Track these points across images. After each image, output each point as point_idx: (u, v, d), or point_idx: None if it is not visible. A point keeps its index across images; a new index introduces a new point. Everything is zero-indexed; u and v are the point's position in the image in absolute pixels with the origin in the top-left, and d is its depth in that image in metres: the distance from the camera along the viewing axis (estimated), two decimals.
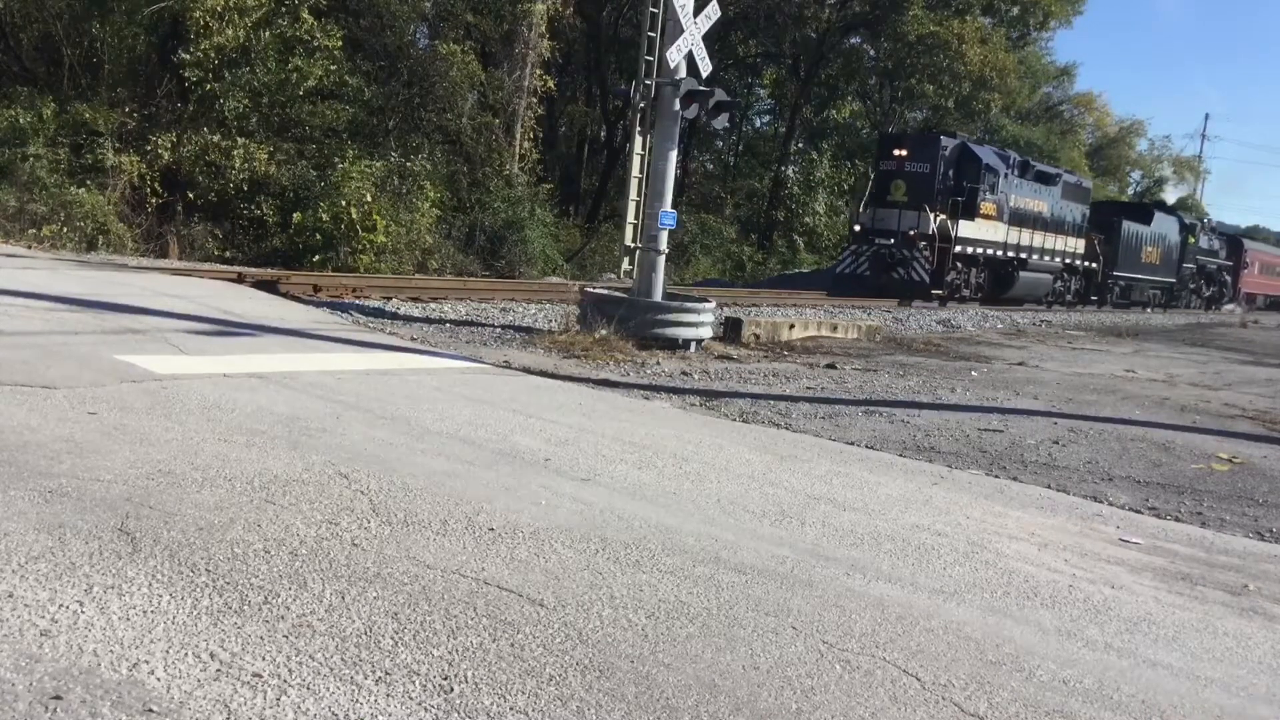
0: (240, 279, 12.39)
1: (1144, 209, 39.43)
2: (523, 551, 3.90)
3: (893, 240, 24.37)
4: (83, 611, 2.94)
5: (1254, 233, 66.93)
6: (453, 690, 2.75)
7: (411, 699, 2.68)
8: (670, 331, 11.26)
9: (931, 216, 24.19)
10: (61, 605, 2.96)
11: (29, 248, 14.53)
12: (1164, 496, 6.39)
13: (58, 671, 2.58)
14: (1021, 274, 27.97)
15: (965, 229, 25.12)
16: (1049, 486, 6.34)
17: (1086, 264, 32.34)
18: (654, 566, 3.91)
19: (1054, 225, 29.78)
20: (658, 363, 10.21)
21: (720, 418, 7.64)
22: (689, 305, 11.73)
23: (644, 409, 7.56)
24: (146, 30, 19.24)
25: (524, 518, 4.31)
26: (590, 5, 31.23)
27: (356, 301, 12.61)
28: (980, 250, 26.12)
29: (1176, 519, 5.89)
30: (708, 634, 3.33)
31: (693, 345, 11.48)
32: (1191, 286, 44.07)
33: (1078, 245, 31.58)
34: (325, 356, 7.87)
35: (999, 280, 27.60)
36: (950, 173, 25.15)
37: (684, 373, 9.83)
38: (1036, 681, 3.29)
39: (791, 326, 14.53)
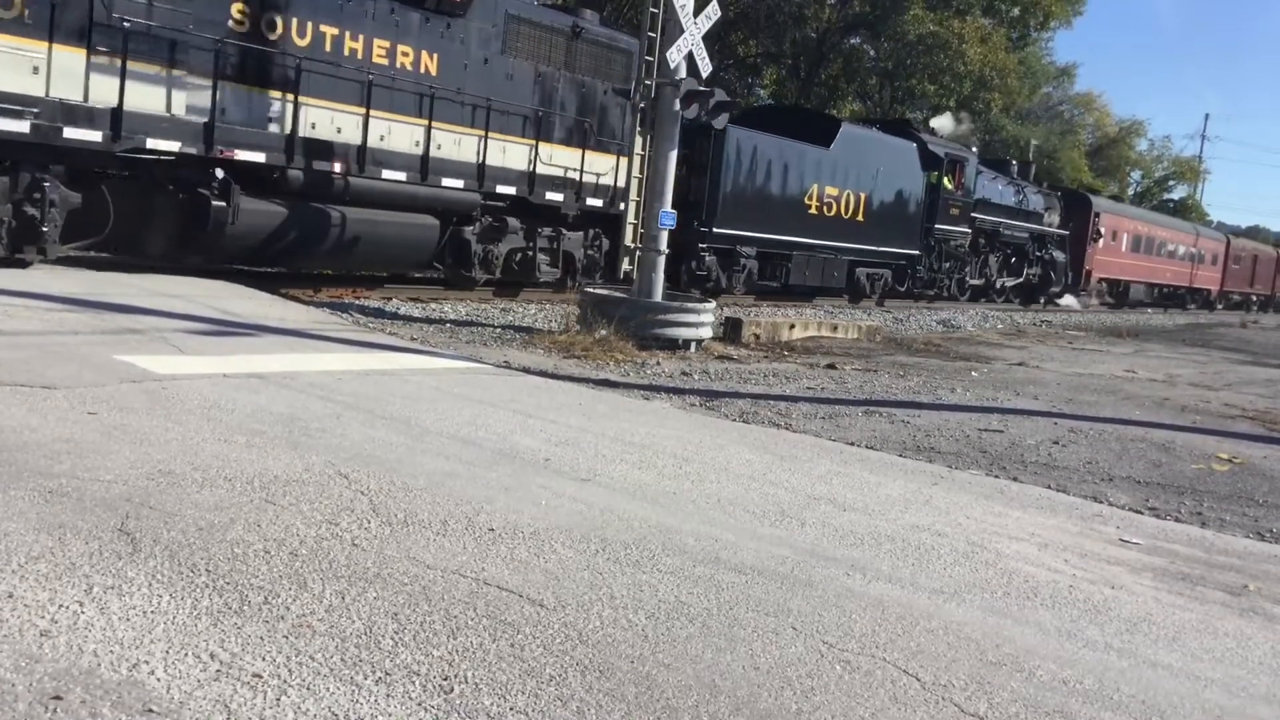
0: (240, 279, 12.37)
1: (810, 118, 22.51)
2: (523, 552, 3.90)
3: None
4: (83, 612, 2.93)
5: (1254, 233, 65.78)
6: (453, 690, 2.75)
7: (411, 699, 2.68)
8: (670, 332, 11.26)
9: None
10: (61, 605, 2.96)
11: None
12: (1164, 497, 6.39)
13: (58, 672, 2.58)
14: (243, 206, 11.25)
15: None
16: (1049, 487, 6.34)
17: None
18: (654, 567, 3.91)
19: (461, 111, 13.64)
20: (658, 363, 10.21)
21: (720, 418, 7.64)
22: (689, 305, 11.74)
23: (644, 409, 7.56)
24: None
25: (524, 518, 4.31)
26: (590, 6, 31.24)
27: (356, 302, 12.61)
28: None
29: (1176, 519, 5.89)
30: (708, 634, 3.33)
31: (693, 345, 11.49)
32: (972, 275, 27.24)
33: (591, 165, 15.50)
34: (325, 357, 7.87)
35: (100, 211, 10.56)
36: None
37: (684, 373, 9.83)
38: (1037, 682, 3.29)
39: (791, 327, 14.53)
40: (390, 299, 13.28)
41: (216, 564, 3.40)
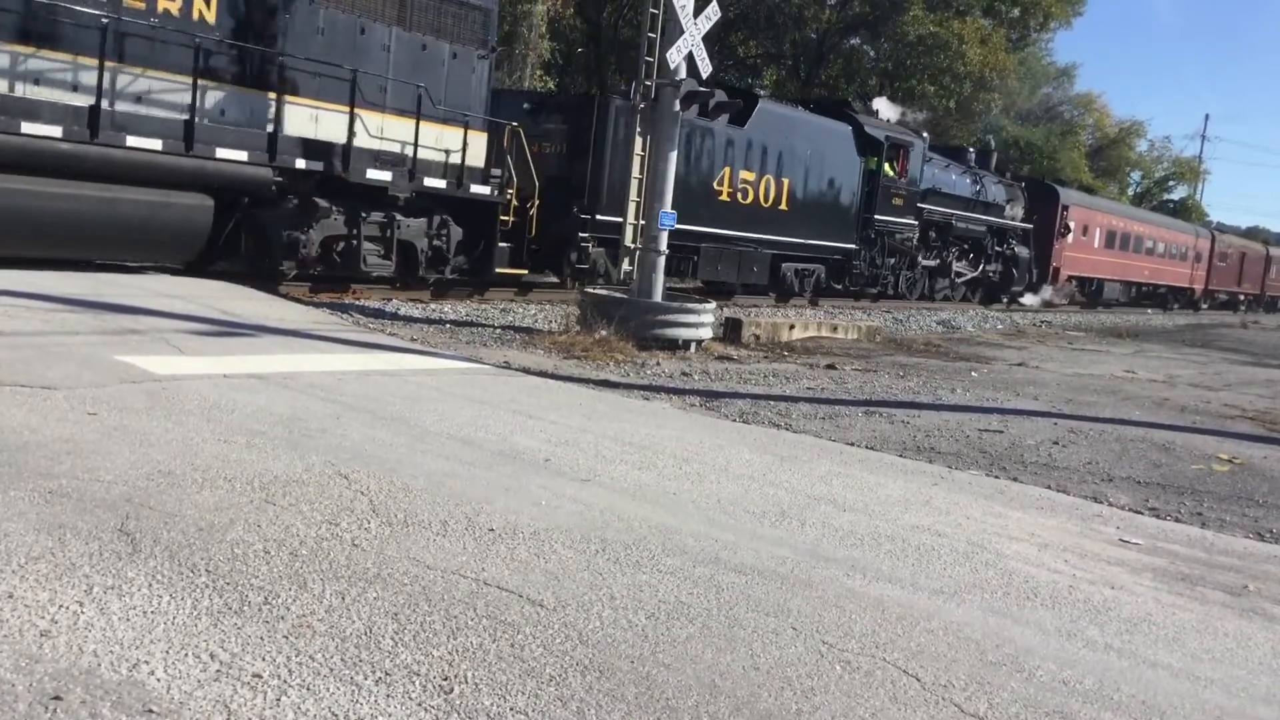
0: (240, 279, 12.38)
1: (729, 91, 16.61)
2: (523, 552, 3.90)
3: None
4: (83, 612, 2.93)
5: (1254, 233, 65.49)
6: (453, 691, 2.75)
7: (411, 699, 2.68)
8: (670, 332, 11.27)
9: None
10: (61, 606, 2.96)
11: None
12: (1164, 497, 6.39)
13: (58, 672, 2.58)
14: None
15: None
16: (1049, 487, 6.34)
17: (483, 188, 13.78)
18: (654, 567, 3.91)
19: (251, 69, 11.38)
20: (658, 363, 10.21)
21: (720, 418, 7.64)
22: (689, 306, 11.75)
23: (644, 409, 7.56)
24: None
25: (524, 518, 4.31)
26: (590, 6, 31.30)
27: (356, 302, 12.61)
28: None
29: (1176, 519, 5.89)
30: (708, 634, 3.33)
31: (693, 346, 11.49)
32: (921, 272, 24.84)
33: (432, 139, 13.09)
34: (325, 357, 7.87)
35: None
36: None
37: (684, 373, 9.83)
38: (1036, 682, 3.29)
39: (791, 327, 14.53)
40: (390, 299, 13.29)
41: (216, 564, 3.40)
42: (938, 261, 25.79)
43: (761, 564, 4.10)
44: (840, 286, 22.15)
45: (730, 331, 13.14)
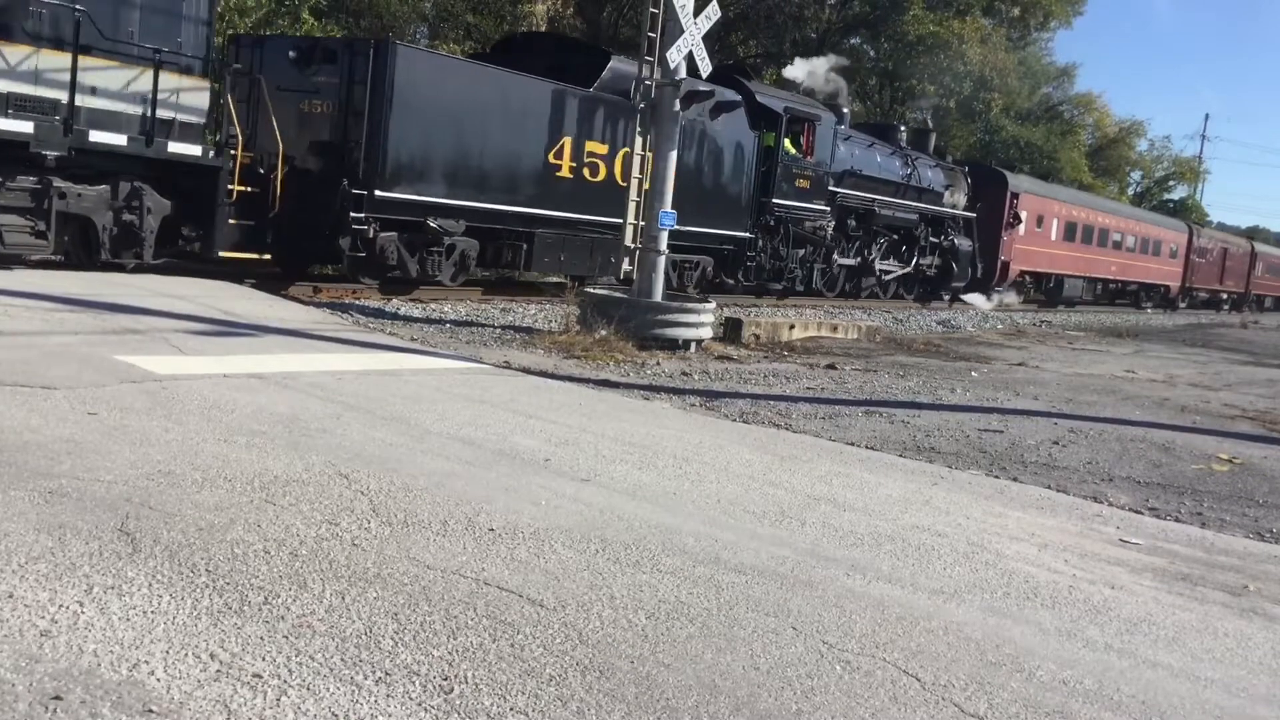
0: (240, 279, 12.38)
1: (567, 48, 16.80)
2: (523, 552, 3.90)
3: None
4: (83, 612, 2.94)
5: (1254, 233, 65.21)
6: (453, 691, 2.75)
7: (411, 699, 2.68)
8: (670, 332, 11.27)
9: None
10: (61, 606, 2.96)
11: None
12: (1164, 497, 6.39)
13: (58, 672, 2.58)
14: None
15: None
16: (1049, 487, 6.34)
17: (191, 147, 10.89)
18: (654, 567, 3.91)
19: None
20: (658, 363, 10.21)
21: (720, 418, 7.64)
22: (689, 306, 11.76)
23: (644, 409, 7.56)
24: None
25: (524, 518, 4.31)
26: (590, 5, 31.30)
27: (356, 302, 12.61)
28: None
29: (1176, 519, 5.89)
30: (708, 634, 3.33)
31: (693, 346, 11.49)
32: (837, 265, 21.53)
33: (98, 80, 10.14)
34: (325, 357, 7.87)
35: None
36: None
37: (684, 373, 9.83)
38: (1037, 682, 3.29)
39: (791, 327, 14.54)
40: (390, 299, 13.29)
41: (216, 564, 3.40)
42: (931, 260, 23.66)
43: (761, 564, 4.10)
44: (733, 282, 18.88)
45: (730, 331, 13.15)
